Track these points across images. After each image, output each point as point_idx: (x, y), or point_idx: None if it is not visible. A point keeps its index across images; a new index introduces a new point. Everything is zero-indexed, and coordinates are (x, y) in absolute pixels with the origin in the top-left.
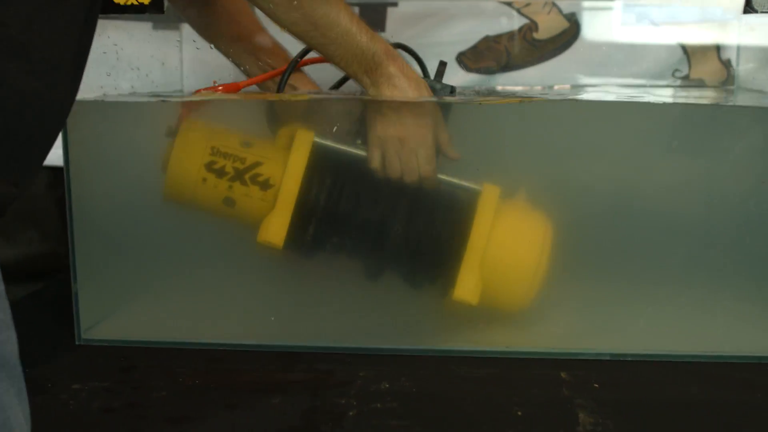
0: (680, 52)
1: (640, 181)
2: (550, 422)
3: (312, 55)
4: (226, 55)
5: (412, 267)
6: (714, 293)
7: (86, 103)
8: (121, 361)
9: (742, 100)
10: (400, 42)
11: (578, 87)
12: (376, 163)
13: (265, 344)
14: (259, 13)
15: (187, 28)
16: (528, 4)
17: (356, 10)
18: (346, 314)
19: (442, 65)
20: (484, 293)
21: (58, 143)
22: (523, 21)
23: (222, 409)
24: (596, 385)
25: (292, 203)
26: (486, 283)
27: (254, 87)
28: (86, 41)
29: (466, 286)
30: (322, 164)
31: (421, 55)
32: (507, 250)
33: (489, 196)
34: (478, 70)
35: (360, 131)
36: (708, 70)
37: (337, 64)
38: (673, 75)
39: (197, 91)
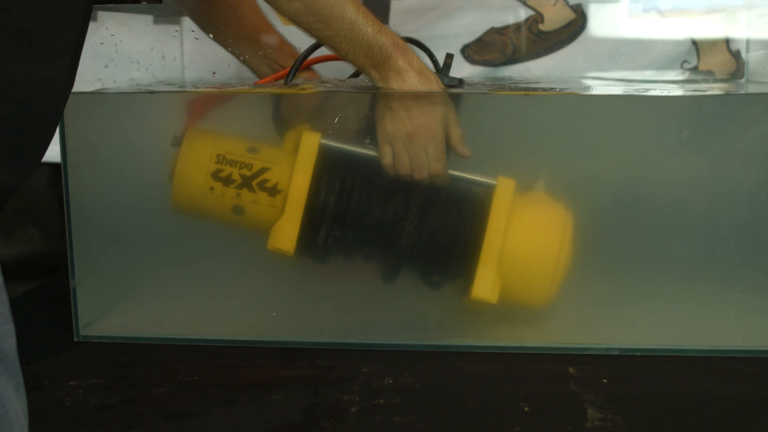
0: (688, 43)
1: (647, 175)
2: (558, 418)
3: (321, 53)
4: (235, 55)
5: (429, 267)
6: (724, 286)
7: (85, 95)
8: (120, 357)
9: (752, 90)
10: (410, 36)
11: (587, 79)
12: (387, 159)
13: (267, 340)
14: (266, 11)
15: (187, 21)
16: None
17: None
18: (349, 309)
19: (449, 57)
20: (503, 291)
21: (57, 138)
22: (529, 12)
23: (221, 406)
24: (605, 380)
25: (301, 208)
26: (505, 280)
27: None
28: (85, 30)
29: (485, 284)
30: (331, 166)
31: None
32: (525, 244)
33: (504, 190)
34: (483, 63)
35: (369, 127)
36: (717, 61)
37: (344, 57)
38: (681, 66)
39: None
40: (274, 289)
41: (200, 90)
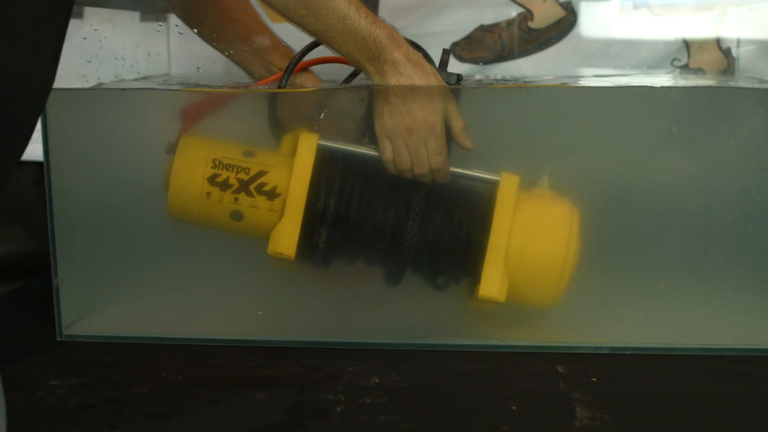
0: (679, 41)
1: (637, 172)
2: (546, 416)
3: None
4: (230, 57)
5: (433, 269)
6: (714, 284)
7: (68, 92)
8: (103, 356)
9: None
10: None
11: (576, 77)
12: (387, 154)
13: (253, 339)
14: (260, 11)
15: (173, 18)
16: None
17: None
18: (337, 308)
19: (446, 54)
20: (510, 290)
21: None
22: (519, 10)
23: (204, 405)
24: (594, 379)
25: (301, 210)
26: (512, 279)
27: None
28: (66, 25)
29: (492, 283)
30: (330, 167)
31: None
32: (532, 242)
33: (508, 186)
34: (472, 60)
35: (367, 123)
36: (707, 59)
37: (338, 51)
38: (671, 64)
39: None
40: (260, 288)
41: (188, 89)
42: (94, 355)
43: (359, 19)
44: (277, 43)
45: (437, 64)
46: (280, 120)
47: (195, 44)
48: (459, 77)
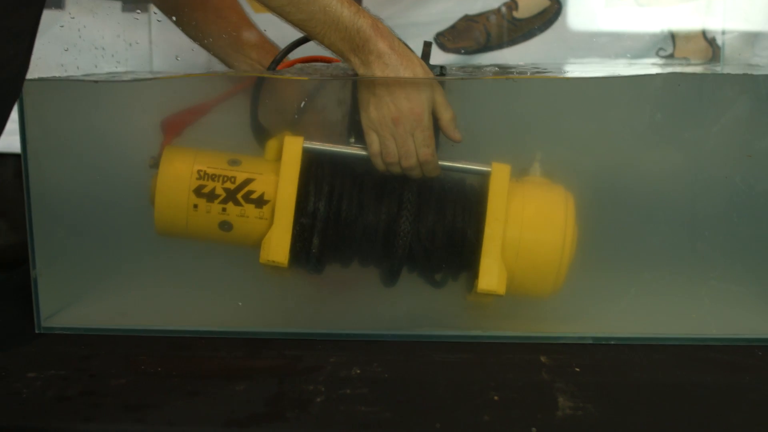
0: (665, 32)
1: (622, 162)
2: (528, 406)
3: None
4: (214, 53)
5: (429, 266)
6: (699, 274)
7: (45, 81)
8: (81, 349)
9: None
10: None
11: (564, 65)
12: (375, 147)
13: (233, 330)
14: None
15: (153, 8)
16: None
17: None
18: (318, 299)
19: (428, 46)
20: (510, 281)
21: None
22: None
23: (182, 397)
24: (577, 369)
25: (291, 216)
26: (510, 270)
27: None
28: (41, 11)
29: (490, 276)
30: (317, 169)
31: (398, 36)
32: (528, 231)
33: (500, 176)
34: (456, 50)
35: (352, 117)
36: (693, 48)
37: (321, 42)
38: (657, 54)
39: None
40: (241, 279)
41: (166, 77)
42: (72, 348)
43: (342, 8)
44: (264, 42)
45: (419, 55)
46: (263, 125)
47: (177, 35)
48: (442, 69)
